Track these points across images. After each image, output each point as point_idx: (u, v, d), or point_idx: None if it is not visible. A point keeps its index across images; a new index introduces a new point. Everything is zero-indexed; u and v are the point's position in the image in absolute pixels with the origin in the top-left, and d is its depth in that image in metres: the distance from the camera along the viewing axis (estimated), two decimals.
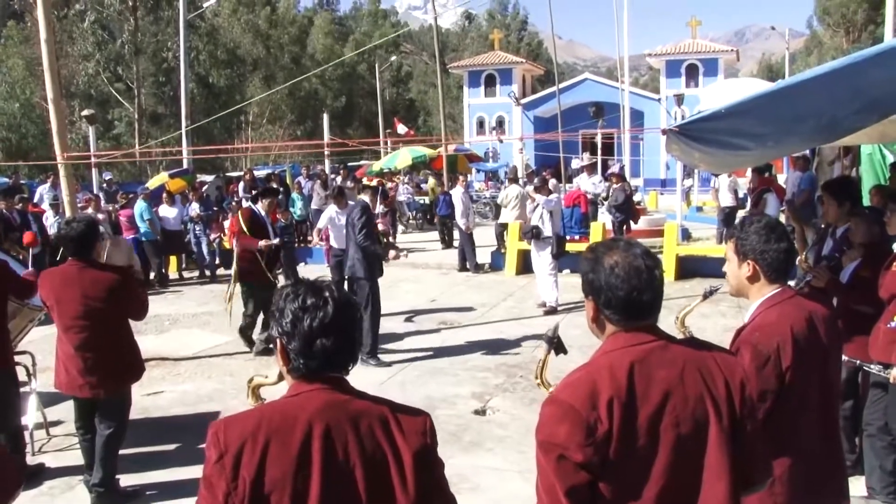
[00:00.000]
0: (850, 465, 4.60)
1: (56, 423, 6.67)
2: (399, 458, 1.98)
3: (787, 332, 2.81)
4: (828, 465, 2.97)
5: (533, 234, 10.98)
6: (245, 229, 9.05)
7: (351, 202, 10.62)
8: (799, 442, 2.85)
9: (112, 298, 4.95)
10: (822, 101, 4.28)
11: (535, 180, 12.29)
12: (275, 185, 14.45)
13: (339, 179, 19.98)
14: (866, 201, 7.68)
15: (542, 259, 11.07)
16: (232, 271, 9.61)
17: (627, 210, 14.89)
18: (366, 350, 8.34)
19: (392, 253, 9.90)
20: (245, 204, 16.66)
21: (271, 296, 2.23)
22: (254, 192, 9.47)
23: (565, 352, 2.54)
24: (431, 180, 24.38)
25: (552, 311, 10.80)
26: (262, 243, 8.95)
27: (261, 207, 9.47)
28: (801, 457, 2.85)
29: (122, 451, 5.40)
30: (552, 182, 14.32)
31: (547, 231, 10.95)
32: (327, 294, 2.02)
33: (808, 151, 12.46)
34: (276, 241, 9.30)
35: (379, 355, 8.61)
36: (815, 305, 3.01)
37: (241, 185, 18.77)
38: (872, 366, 4.58)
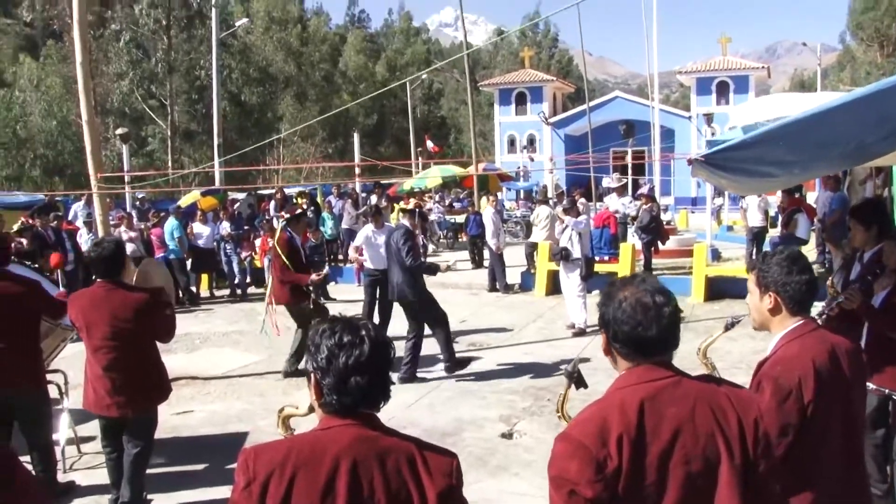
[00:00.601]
0: (881, 495, 4.54)
1: (87, 440, 6.77)
2: (424, 497, 2.01)
3: (808, 365, 2.78)
4: (852, 497, 2.94)
5: (562, 255, 10.97)
6: (288, 264, 8.95)
7: (387, 223, 10.75)
8: (821, 475, 2.82)
9: (140, 319, 5.03)
10: (850, 128, 4.25)
11: (564, 201, 12.27)
12: (303, 205, 14.54)
13: (373, 198, 20.10)
14: None
15: (571, 280, 11.04)
16: (266, 296, 9.59)
17: (654, 230, 14.80)
18: (445, 362, 8.65)
19: (443, 265, 10.07)
20: (277, 224, 16.90)
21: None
22: (286, 217, 9.49)
23: (586, 386, 2.56)
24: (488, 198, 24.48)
25: (581, 332, 10.76)
26: (313, 277, 9.07)
27: (293, 231, 9.47)
28: (824, 490, 2.83)
29: (152, 471, 5.48)
30: (581, 202, 14.32)
31: (576, 252, 10.92)
32: (364, 332, 2.05)
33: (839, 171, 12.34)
34: (325, 270, 9.38)
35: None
36: (839, 339, 2.98)
37: (273, 203, 18.95)
38: None
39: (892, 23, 52.79)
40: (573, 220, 10.89)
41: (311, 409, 2.21)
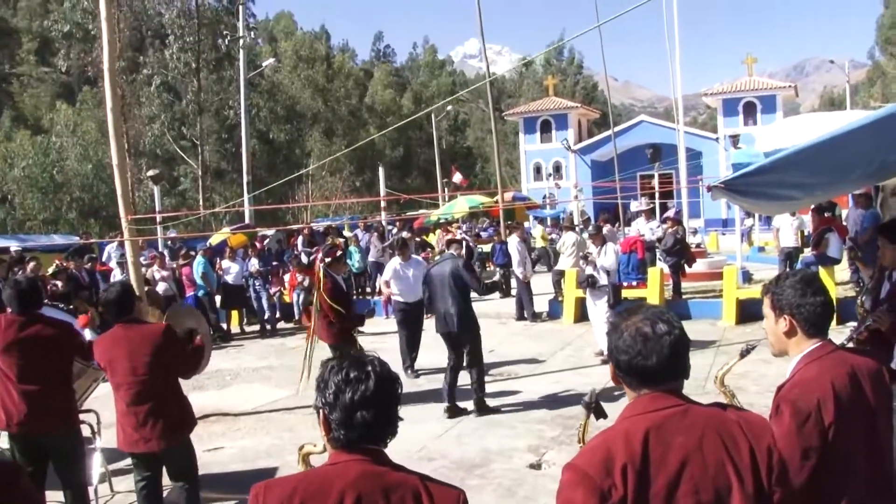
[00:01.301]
0: None
1: (120, 479, 6.83)
2: None
3: (827, 387, 2.73)
4: None
5: (589, 283, 10.94)
6: (339, 307, 8.88)
7: (415, 256, 10.79)
8: (846, 501, 2.77)
9: (157, 353, 5.10)
10: (870, 148, 4.23)
11: (590, 228, 12.25)
12: (341, 245, 14.65)
13: (402, 233, 20.18)
14: None
15: (599, 308, 10.99)
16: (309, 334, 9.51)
17: (679, 253, 14.67)
18: (477, 400, 8.58)
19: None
20: (305, 259, 17.02)
21: None
22: (326, 261, 9.40)
23: (605, 416, 2.56)
24: (540, 228, 24.64)
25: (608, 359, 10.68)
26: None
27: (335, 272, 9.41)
28: None
29: None
30: (607, 229, 14.27)
31: (603, 280, 10.89)
32: (370, 368, 2.10)
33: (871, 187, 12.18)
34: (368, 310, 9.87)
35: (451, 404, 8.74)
36: (860, 360, 2.92)
37: (300, 239, 19.13)
38: None
39: None
40: (601, 260, 10.91)
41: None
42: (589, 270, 11.04)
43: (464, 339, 8.65)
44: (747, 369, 9.11)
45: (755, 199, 4.62)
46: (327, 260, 9.40)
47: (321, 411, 2.13)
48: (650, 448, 2.03)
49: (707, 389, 7.75)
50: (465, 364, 8.73)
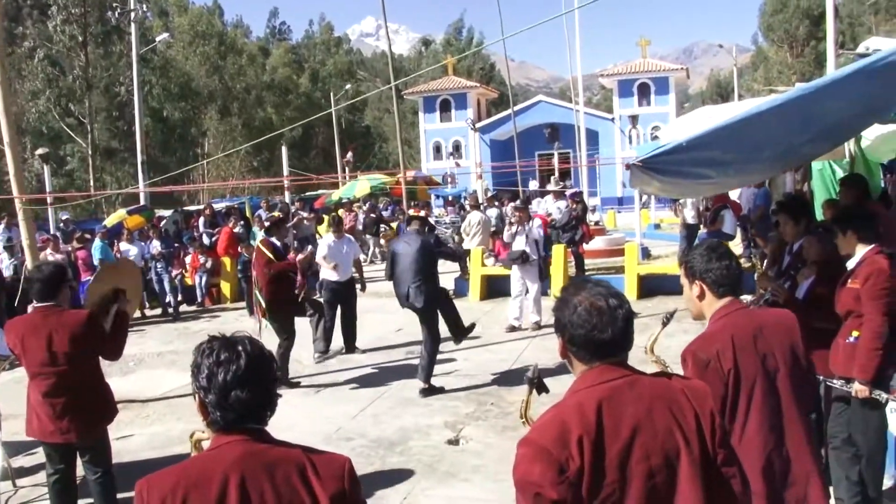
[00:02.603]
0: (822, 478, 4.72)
1: (22, 474, 6.56)
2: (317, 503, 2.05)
3: (727, 339, 3.06)
4: (784, 464, 3.14)
5: (522, 258, 11.19)
6: (273, 257, 8.98)
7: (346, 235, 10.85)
8: (754, 448, 3.06)
9: (77, 342, 4.90)
10: (778, 131, 4.44)
11: (517, 203, 12.50)
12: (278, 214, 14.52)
13: (302, 213, 19.94)
14: (819, 216, 7.89)
15: (530, 282, 11.48)
16: (257, 305, 9.46)
17: (573, 229, 15.04)
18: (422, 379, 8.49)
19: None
20: (209, 242, 16.62)
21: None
22: (266, 227, 9.56)
23: (547, 391, 2.61)
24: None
25: (538, 327, 11.16)
26: (300, 256, 9.63)
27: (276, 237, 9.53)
28: (760, 460, 3.07)
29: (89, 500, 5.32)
30: (512, 206, 14.47)
31: (533, 255, 11.37)
32: (240, 348, 2.10)
33: None
34: (309, 249, 10.16)
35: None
36: (770, 315, 3.30)
37: (202, 219, 18.63)
38: (834, 380, 4.71)
39: (800, 25, 54.85)
40: (534, 233, 11.38)
41: None
42: (518, 246, 11.30)
43: (425, 315, 8.61)
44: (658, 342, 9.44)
45: (671, 178, 4.77)
46: (266, 225, 9.46)
47: (197, 396, 2.12)
48: (603, 419, 2.08)
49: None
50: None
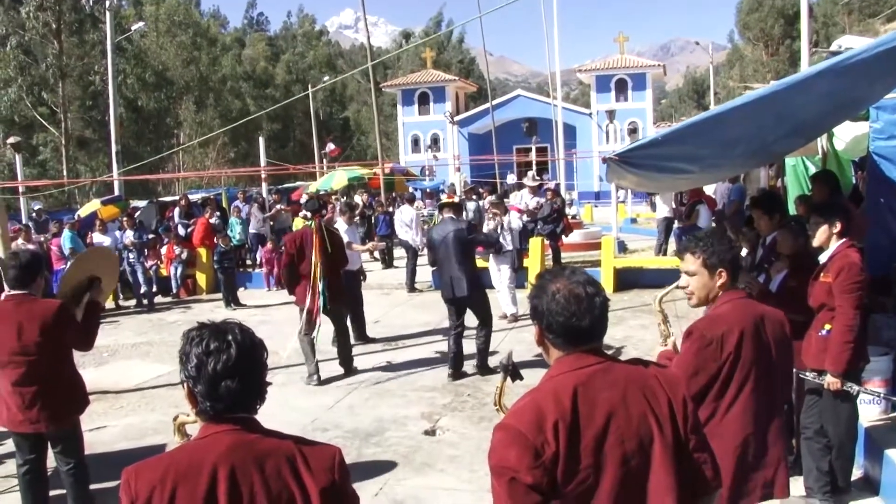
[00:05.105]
0: (789, 466, 4.80)
1: None
2: (306, 495, 2.03)
3: (734, 323, 3.19)
4: (760, 448, 3.26)
5: (495, 248, 11.22)
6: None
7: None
8: (734, 428, 3.20)
9: (47, 332, 4.84)
10: (751, 127, 4.50)
11: (493, 198, 12.55)
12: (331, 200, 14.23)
13: (356, 197, 19.72)
14: (792, 210, 7.99)
15: (503, 273, 11.51)
16: (319, 300, 8.91)
17: (555, 221, 15.10)
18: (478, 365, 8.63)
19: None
20: (184, 233, 16.51)
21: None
22: (318, 215, 9.24)
23: (521, 378, 2.62)
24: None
25: (514, 319, 11.19)
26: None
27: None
28: (736, 440, 3.21)
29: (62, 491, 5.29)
30: (490, 199, 14.51)
31: (508, 246, 11.35)
32: (230, 337, 2.06)
33: None
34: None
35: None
36: (767, 308, 3.39)
37: (177, 210, 18.49)
38: (807, 373, 4.78)
39: (775, 24, 55.36)
40: (510, 218, 11.48)
41: None
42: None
43: (473, 301, 8.62)
44: (628, 335, 9.53)
45: (646, 173, 4.82)
46: (323, 213, 9.59)
47: (186, 384, 2.09)
48: (579, 404, 2.10)
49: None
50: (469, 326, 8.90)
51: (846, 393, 4.64)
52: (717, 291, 3.30)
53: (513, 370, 2.66)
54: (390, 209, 19.59)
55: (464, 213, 13.73)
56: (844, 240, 4.67)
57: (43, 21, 37.93)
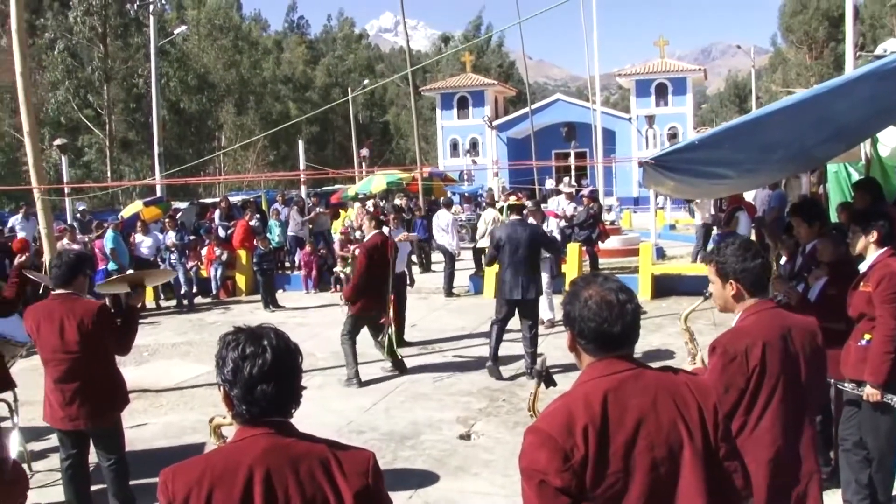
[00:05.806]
0: (825, 478, 4.73)
1: (39, 458, 6.65)
2: (340, 499, 2.05)
3: (757, 336, 3.11)
4: (792, 461, 3.19)
5: (560, 253, 11.27)
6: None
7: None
8: (765, 441, 3.12)
9: (87, 331, 4.96)
10: (790, 131, 4.46)
11: (531, 203, 12.55)
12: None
13: (398, 202, 19.94)
14: (834, 218, 7.88)
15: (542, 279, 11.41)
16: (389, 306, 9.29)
17: (591, 227, 15.02)
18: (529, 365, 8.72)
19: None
20: (224, 234, 16.72)
21: None
22: (380, 219, 9.56)
23: (555, 384, 2.63)
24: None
25: (551, 325, 11.14)
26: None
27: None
28: (768, 453, 3.13)
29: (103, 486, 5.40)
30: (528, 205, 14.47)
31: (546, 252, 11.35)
32: (266, 342, 2.09)
33: None
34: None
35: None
36: (798, 318, 3.30)
37: (218, 212, 18.74)
38: (846, 384, 4.71)
39: (819, 26, 54.47)
40: (550, 225, 11.43)
41: None
42: None
43: (534, 304, 8.76)
44: (665, 342, 9.46)
45: (683, 177, 4.79)
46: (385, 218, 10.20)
47: (222, 388, 2.12)
48: (609, 409, 2.12)
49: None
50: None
51: (886, 404, 4.56)
52: (732, 302, 3.27)
53: (546, 376, 2.67)
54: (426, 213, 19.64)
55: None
56: (886, 248, 4.60)
57: (89, 25, 38.72)
